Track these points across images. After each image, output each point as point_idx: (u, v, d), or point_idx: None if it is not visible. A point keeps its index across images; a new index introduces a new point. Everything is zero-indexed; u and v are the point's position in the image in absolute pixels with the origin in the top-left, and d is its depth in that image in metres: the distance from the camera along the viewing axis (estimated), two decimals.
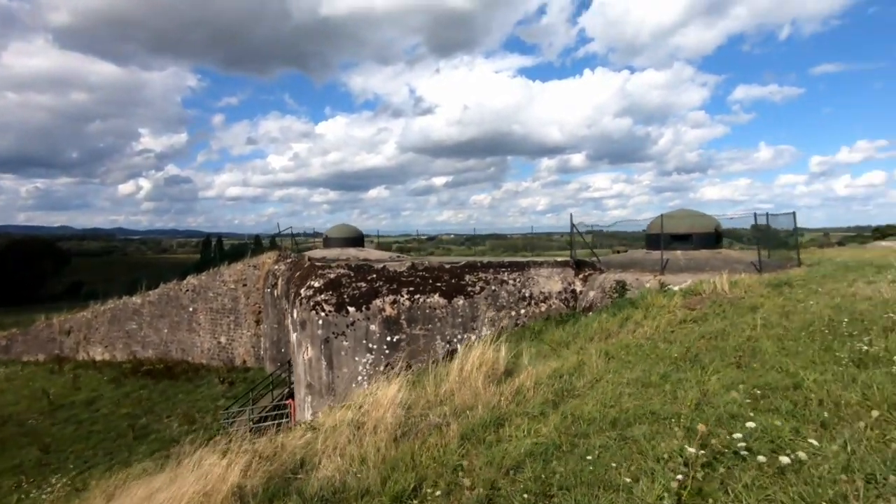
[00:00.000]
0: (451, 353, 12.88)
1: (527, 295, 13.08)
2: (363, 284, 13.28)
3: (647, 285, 11.62)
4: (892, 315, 6.68)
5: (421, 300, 13.00)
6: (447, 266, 13.50)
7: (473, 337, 12.92)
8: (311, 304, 13.09)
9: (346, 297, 13.10)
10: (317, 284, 13.43)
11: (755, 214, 13.17)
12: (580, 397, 5.62)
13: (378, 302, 12.99)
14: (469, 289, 13.12)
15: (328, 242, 23.47)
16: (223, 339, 24.90)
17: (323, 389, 13.07)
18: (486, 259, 14.26)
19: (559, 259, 13.58)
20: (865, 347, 5.43)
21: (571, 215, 13.52)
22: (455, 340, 12.90)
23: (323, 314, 12.95)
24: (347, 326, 12.93)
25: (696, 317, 8.89)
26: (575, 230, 13.66)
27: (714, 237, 13.60)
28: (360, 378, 13.05)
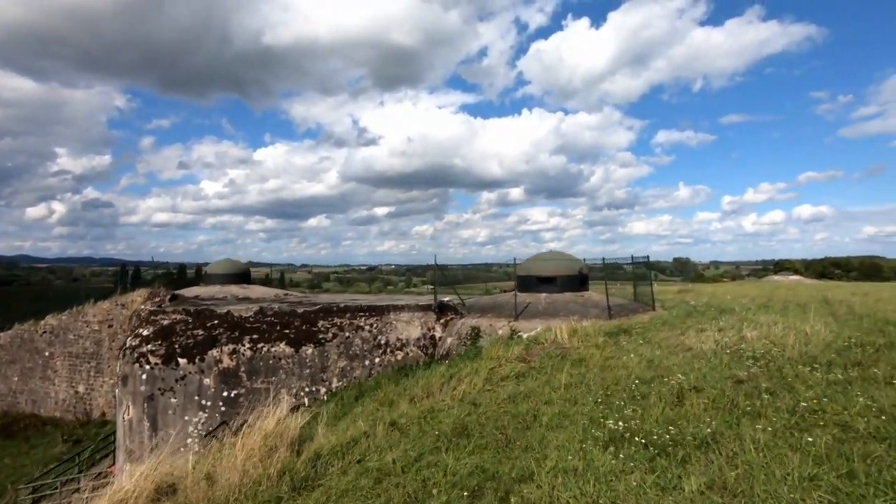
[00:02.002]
0: (298, 409, 11.67)
1: (383, 342, 12.21)
2: (200, 332, 11.86)
3: (500, 332, 11.12)
4: (682, 377, 6.41)
5: (265, 349, 11.76)
6: (299, 311, 12.40)
7: (323, 389, 11.82)
8: (136, 355, 11.48)
9: (177, 346, 11.61)
10: (145, 332, 11.85)
11: (603, 260, 13.18)
12: (318, 489, 4.76)
13: (215, 352, 11.60)
14: (321, 336, 12.06)
15: (208, 279, 21.60)
16: (81, 388, 21.95)
17: (144, 456, 11.32)
18: (343, 303, 13.31)
19: (421, 303, 12.90)
20: (621, 425, 4.97)
21: (436, 257, 12.94)
22: (302, 394, 11.71)
23: (148, 367, 11.36)
24: (177, 381, 11.40)
25: (521, 371, 8.36)
26: (438, 271, 13.08)
27: (578, 280, 13.50)
28: (189, 441, 11.46)
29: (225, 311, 12.42)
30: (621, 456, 4.33)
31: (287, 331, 12.04)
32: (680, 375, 6.49)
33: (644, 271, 13.46)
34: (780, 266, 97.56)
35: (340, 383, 11.76)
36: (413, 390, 8.69)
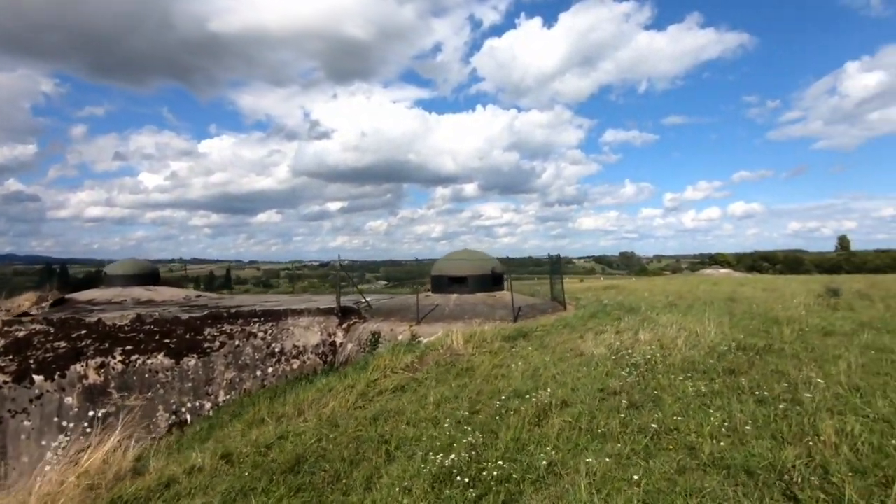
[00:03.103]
0: (180, 426, 10.55)
1: (277, 350, 11.24)
2: (63, 344, 10.47)
3: (400, 337, 10.43)
4: (554, 391, 5.95)
5: (140, 361, 10.52)
6: (184, 318, 11.21)
7: (208, 404, 10.73)
8: None
9: (33, 361, 10.18)
10: None
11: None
12: None
13: (79, 366, 10.26)
14: (206, 345, 10.94)
15: (108, 280, 19.69)
16: None
17: None
18: (235, 307, 12.22)
19: (322, 307, 12.01)
20: (464, 456, 4.38)
21: (339, 256, 12.06)
22: (184, 410, 10.57)
23: None
24: (31, 401, 9.99)
25: (403, 384, 7.69)
26: (341, 271, 12.22)
27: (491, 279, 13.02)
28: (48, 468, 10.02)
29: (95, 319, 11.04)
30: (441, 498, 3.74)
31: (167, 340, 10.84)
32: (551, 389, 6.03)
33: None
34: (715, 260, 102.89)
35: (228, 396, 10.72)
36: (285, 408, 7.85)
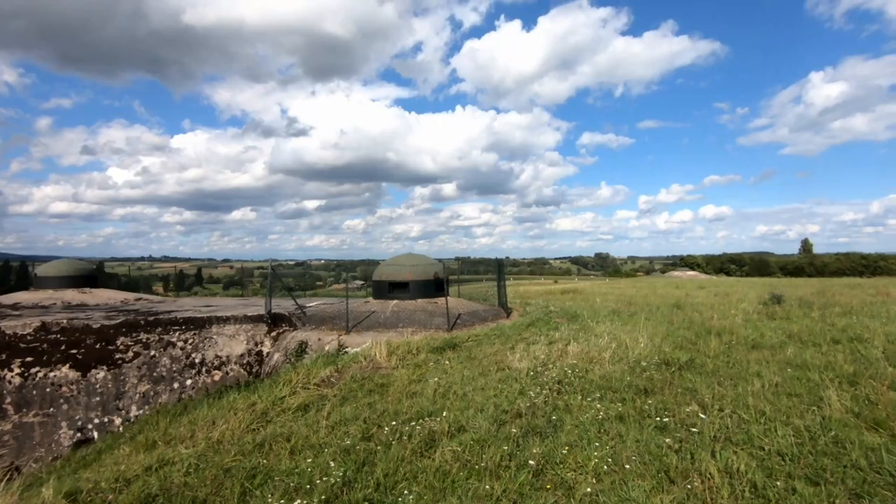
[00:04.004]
0: (86, 444, 9.73)
1: (197, 361, 10.51)
2: None
3: (327, 347, 9.85)
4: (447, 417, 5.48)
5: (41, 374, 9.67)
6: (95, 326, 10.37)
7: (118, 420, 9.94)
8: None
9: None
10: None
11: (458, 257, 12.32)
12: None
13: None
14: (118, 356, 10.14)
15: (39, 282, 18.49)
16: None
17: None
18: (157, 314, 11.41)
19: (250, 313, 11.30)
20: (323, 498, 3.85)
21: (271, 263, 11.41)
22: (90, 427, 9.76)
23: None
24: None
25: (309, 402, 7.11)
26: (274, 275, 11.55)
27: (434, 285, 12.52)
28: None
29: None
30: None
31: (75, 351, 10.00)
32: (455, 411, 5.57)
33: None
34: (685, 262, 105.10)
35: (142, 411, 9.95)
36: (179, 429, 7.19)
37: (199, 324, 10.91)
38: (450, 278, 20.09)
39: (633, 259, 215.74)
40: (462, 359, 8.50)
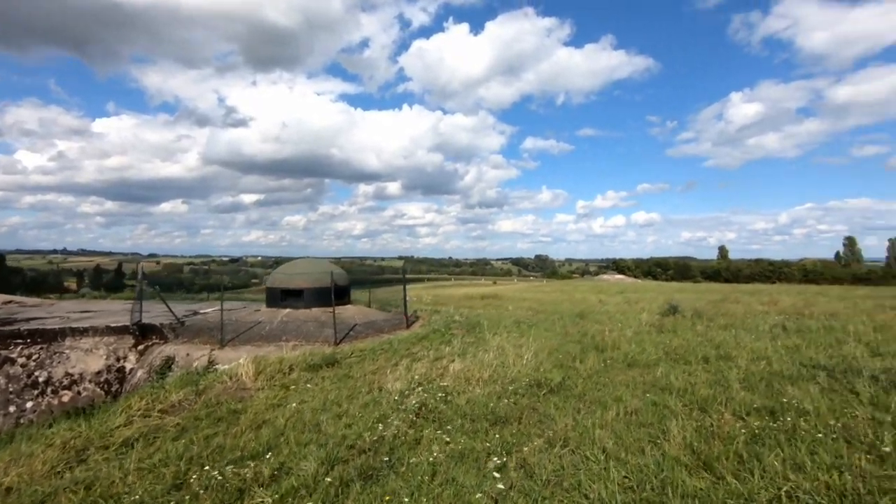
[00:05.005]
0: None
1: (42, 379, 9.16)
2: None
3: (196, 364, 8.85)
4: (271, 460, 4.83)
5: None
6: None
7: None
8: None
9: None
10: None
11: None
12: None
13: None
14: None
15: None
16: None
17: None
18: (27, 320, 9.89)
19: (115, 324, 10.04)
20: None
21: (140, 264, 10.18)
22: None
23: None
24: None
25: (142, 433, 6.19)
26: (144, 281, 10.34)
27: (333, 292, 11.74)
28: None
29: None
30: None
31: None
32: (290, 449, 4.93)
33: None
34: (617, 265, 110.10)
35: None
36: None
37: (48, 336, 9.53)
38: (371, 280, 19.35)
39: (570, 261, 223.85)
40: (338, 378, 7.85)
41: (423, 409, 5.93)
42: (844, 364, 6.53)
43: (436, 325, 11.47)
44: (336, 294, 11.83)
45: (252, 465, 4.69)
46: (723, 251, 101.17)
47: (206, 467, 4.73)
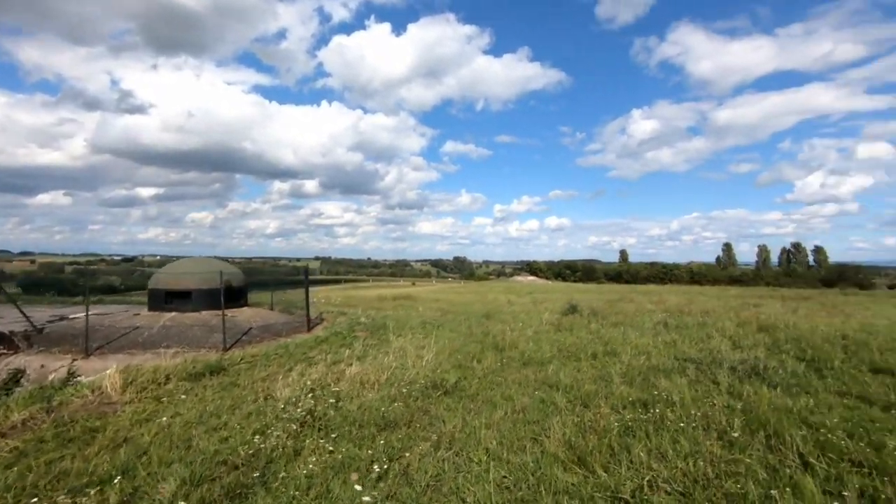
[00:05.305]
0: None
1: None
2: None
3: (52, 377, 7.69)
4: (121, 485, 4.26)
5: None
6: None
7: None
8: None
9: None
10: None
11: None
12: None
13: None
14: None
15: None
16: None
17: None
18: None
19: None
20: None
21: None
22: None
23: None
24: None
25: None
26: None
27: (226, 293, 10.87)
28: None
29: None
30: None
31: None
32: (151, 469, 4.36)
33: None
34: (532, 267, 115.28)
35: None
36: None
37: None
38: (277, 281, 18.27)
39: (487, 263, 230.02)
40: (222, 387, 7.21)
41: (311, 416, 5.57)
42: (711, 357, 7.16)
43: (339, 327, 11.05)
44: (230, 295, 10.99)
45: (96, 491, 4.08)
46: (623, 255, 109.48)
47: (36, 499, 4.04)
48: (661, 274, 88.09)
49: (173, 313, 10.26)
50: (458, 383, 6.55)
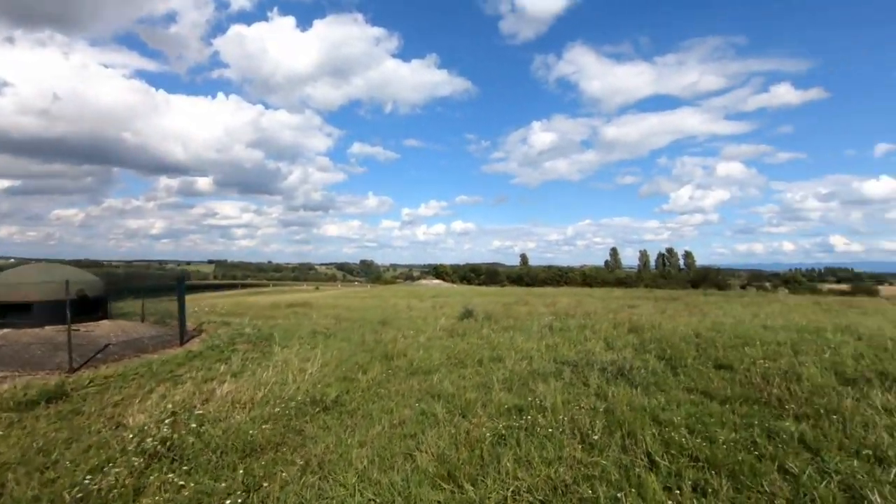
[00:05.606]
0: None
1: None
2: None
3: None
4: None
5: None
6: None
7: None
8: None
9: None
10: None
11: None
12: None
13: None
14: None
15: None
16: None
17: None
18: None
19: None
20: None
21: None
22: None
23: None
24: None
25: None
26: None
27: (79, 305, 9.47)
28: None
29: None
30: None
31: None
32: None
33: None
34: (438, 270, 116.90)
35: None
36: None
37: None
38: (154, 288, 16.48)
39: (395, 266, 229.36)
40: (60, 417, 6.19)
41: (164, 446, 4.94)
42: (586, 359, 7.59)
43: (218, 339, 10.14)
44: (85, 307, 9.61)
45: None
46: (524, 259, 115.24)
47: None
48: (558, 277, 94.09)
49: (6, 330, 8.70)
50: (339, 398, 6.25)
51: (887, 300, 25.25)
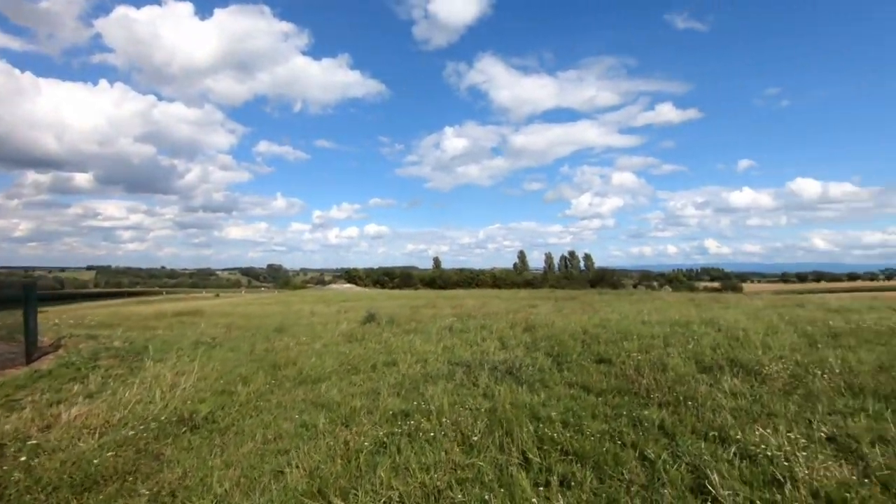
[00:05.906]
0: None
1: None
2: None
3: None
4: None
5: None
6: None
7: None
8: None
9: None
10: None
11: None
12: None
13: None
14: None
15: None
16: None
17: None
18: None
19: None
20: None
21: None
22: None
23: None
24: None
25: None
26: None
27: None
28: None
29: None
30: None
31: None
32: None
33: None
34: (350, 274, 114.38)
35: None
36: None
37: None
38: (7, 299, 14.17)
39: (305, 271, 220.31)
40: None
41: None
42: (480, 359, 7.67)
43: (77, 355, 8.88)
44: None
45: None
46: (437, 262, 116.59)
47: None
48: (469, 279, 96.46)
49: None
50: (211, 414, 5.69)
51: (746, 296, 28.92)
